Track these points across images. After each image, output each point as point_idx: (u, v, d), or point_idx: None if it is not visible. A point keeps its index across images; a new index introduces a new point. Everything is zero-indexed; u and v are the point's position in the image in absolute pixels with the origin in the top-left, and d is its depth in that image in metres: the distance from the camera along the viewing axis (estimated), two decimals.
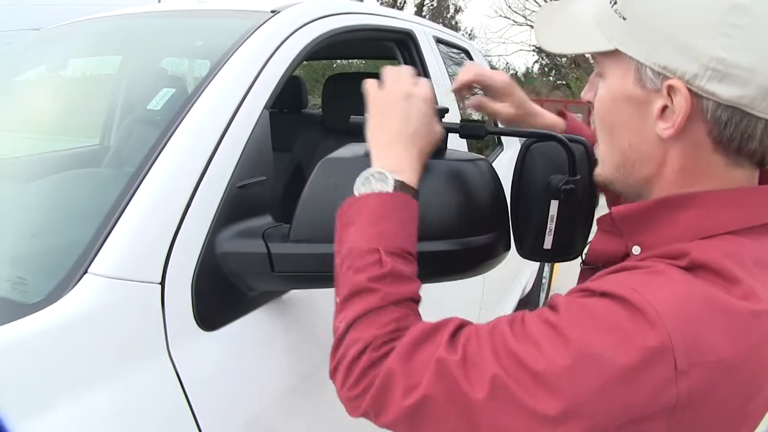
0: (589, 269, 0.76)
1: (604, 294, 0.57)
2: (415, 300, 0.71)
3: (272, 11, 1.22)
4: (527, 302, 3.11)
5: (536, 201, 0.88)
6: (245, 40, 1.10)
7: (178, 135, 0.92)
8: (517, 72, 25.60)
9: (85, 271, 0.76)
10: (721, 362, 0.54)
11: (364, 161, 0.89)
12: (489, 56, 24.76)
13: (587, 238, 0.92)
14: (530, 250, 0.91)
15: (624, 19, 0.63)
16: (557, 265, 4.02)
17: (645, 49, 0.61)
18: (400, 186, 0.73)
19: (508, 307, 2.63)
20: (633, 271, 0.60)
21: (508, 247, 0.91)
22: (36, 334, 0.70)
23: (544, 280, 3.61)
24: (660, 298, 0.55)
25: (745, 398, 0.57)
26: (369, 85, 0.84)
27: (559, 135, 0.87)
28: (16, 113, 1.40)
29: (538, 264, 3.23)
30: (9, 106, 1.42)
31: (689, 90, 0.58)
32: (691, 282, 0.57)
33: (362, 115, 0.88)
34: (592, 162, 0.87)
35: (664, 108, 0.61)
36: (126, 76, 1.54)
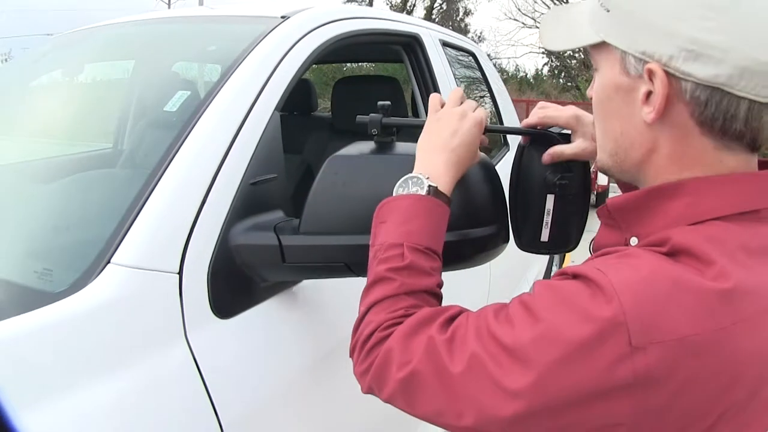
0: None
1: (575, 276, 0.61)
2: (433, 293, 0.76)
3: (282, 17, 1.26)
4: None
5: (533, 196, 0.92)
6: (256, 45, 1.14)
7: (194, 135, 0.96)
8: (527, 74, 25.57)
9: (108, 261, 0.81)
10: (683, 341, 0.54)
11: (370, 159, 0.94)
12: (499, 59, 24.76)
13: (582, 231, 0.96)
14: (528, 243, 0.95)
15: (608, 11, 0.66)
16: (567, 261, 4.05)
17: (628, 37, 0.63)
18: (434, 191, 0.78)
19: None
20: (607, 255, 0.63)
21: (507, 240, 0.95)
22: (60, 320, 0.74)
23: None
24: (621, 277, 0.57)
25: (723, 383, 0.56)
26: (434, 99, 0.89)
27: (554, 133, 0.91)
28: (29, 118, 1.43)
29: (546, 261, 3.26)
30: (22, 110, 1.46)
31: (666, 72, 0.60)
32: (662, 264, 0.58)
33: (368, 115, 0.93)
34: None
35: (649, 93, 0.62)
36: (139, 80, 1.58)
